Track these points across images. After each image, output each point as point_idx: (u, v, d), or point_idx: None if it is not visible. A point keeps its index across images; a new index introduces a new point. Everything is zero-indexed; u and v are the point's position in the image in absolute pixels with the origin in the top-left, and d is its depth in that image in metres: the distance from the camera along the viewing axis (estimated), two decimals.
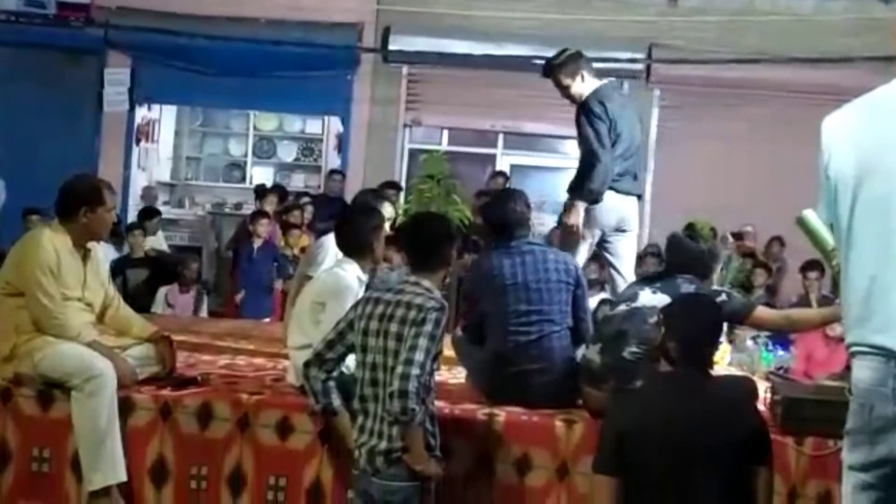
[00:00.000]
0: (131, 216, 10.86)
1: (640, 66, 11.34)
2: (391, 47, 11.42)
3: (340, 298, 4.16)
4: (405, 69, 11.65)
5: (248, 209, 10.95)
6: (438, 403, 3.83)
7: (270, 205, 9.96)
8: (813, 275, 8.58)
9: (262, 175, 12.66)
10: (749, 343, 6.27)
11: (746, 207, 10.22)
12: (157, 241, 10.00)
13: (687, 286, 4.12)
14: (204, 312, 8.90)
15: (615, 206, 5.30)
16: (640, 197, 5.50)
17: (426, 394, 3.46)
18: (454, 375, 4.98)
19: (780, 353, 6.22)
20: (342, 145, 11.97)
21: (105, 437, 4.05)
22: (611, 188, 5.23)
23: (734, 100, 10.93)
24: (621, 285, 5.34)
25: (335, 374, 3.71)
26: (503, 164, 11.85)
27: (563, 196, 5.54)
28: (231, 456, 4.18)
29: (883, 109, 2.53)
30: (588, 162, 5.20)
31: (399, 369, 3.36)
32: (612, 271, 5.48)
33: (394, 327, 3.45)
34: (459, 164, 11.09)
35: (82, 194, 4.32)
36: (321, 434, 4.09)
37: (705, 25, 11.01)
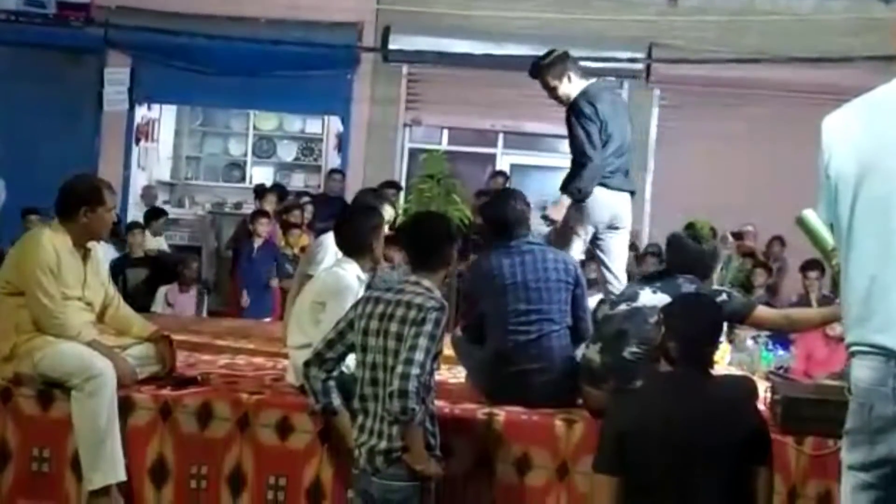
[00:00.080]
0: (131, 216, 10.87)
1: (639, 66, 11.35)
2: (391, 47, 11.42)
3: (340, 298, 4.16)
4: (405, 69, 11.65)
5: (248, 209, 10.96)
6: (438, 403, 3.83)
7: (270, 204, 9.97)
8: (813, 274, 8.58)
9: (261, 175, 12.66)
10: (749, 343, 6.28)
11: (746, 207, 10.22)
12: (158, 241, 9.99)
13: (688, 286, 4.12)
14: (203, 312, 8.90)
15: (608, 203, 5.31)
16: (632, 193, 5.50)
17: (426, 393, 3.46)
18: (454, 375, 4.98)
19: (780, 352, 6.23)
20: (342, 145, 11.97)
21: (105, 436, 4.05)
22: (603, 185, 5.25)
23: (734, 99, 10.93)
24: (611, 282, 5.36)
25: (335, 373, 3.71)
26: (503, 163, 11.86)
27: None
28: (231, 455, 4.18)
29: (883, 109, 2.53)
30: (579, 162, 5.22)
31: (399, 369, 3.36)
32: (603, 269, 5.47)
33: (394, 327, 3.45)
34: (459, 164, 11.08)
35: (82, 194, 4.32)
36: (321, 433, 4.09)
37: (705, 25, 11.01)
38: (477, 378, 4.59)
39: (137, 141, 11.97)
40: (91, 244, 4.44)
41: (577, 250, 5.29)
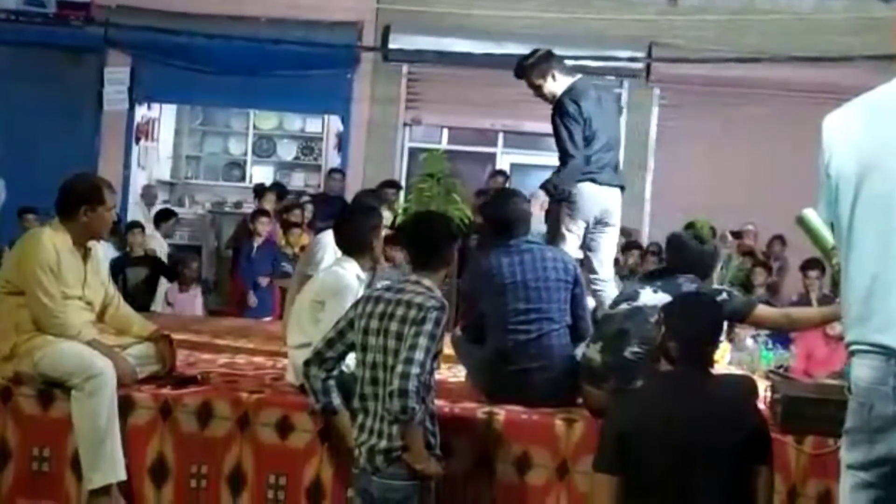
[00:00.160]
0: (131, 215, 10.86)
1: (640, 65, 11.34)
2: (391, 46, 11.41)
3: (340, 297, 4.16)
4: (405, 68, 11.65)
5: (248, 208, 10.96)
6: (438, 402, 3.82)
7: (269, 203, 9.97)
8: (813, 274, 8.57)
9: (261, 174, 12.67)
10: (749, 342, 6.27)
11: (746, 206, 10.22)
12: (160, 243, 10.00)
13: (688, 285, 4.13)
14: (203, 311, 8.91)
15: (597, 198, 5.33)
16: (622, 188, 5.52)
17: (426, 393, 3.46)
18: (454, 374, 4.98)
19: (780, 351, 6.22)
20: (342, 144, 11.97)
21: (105, 436, 4.05)
22: (592, 180, 5.28)
23: (734, 99, 10.92)
24: (596, 282, 5.37)
25: (335, 372, 3.71)
26: (503, 162, 11.85)
27: None
28: (231, 455, 4.18)
29: (883, 109, 2.54)
30: (561, 160, 5.27)
31: (399, 368, 3.37)
32: (589, 266, 5.47)
33: (394, 326, 3.46)
34: (459, 163, 11.06)
35: (82, 193, 4.32)
36: (321, 433, 4.09)
37: (705, 24, 11.01)
38: (477, 377, 4.59)
39: (137, 140, 11.96)
40: (91, 243, 4.44)
41: (573, 247, 5.30)
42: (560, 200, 5.25)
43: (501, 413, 4.18)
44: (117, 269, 8.04)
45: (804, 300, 8.41)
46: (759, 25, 10.97)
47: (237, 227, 10.29)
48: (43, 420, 4.23)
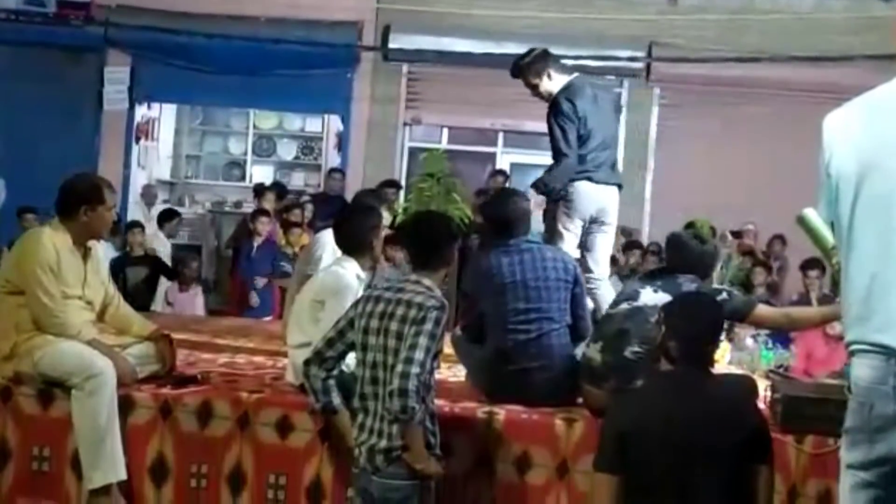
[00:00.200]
0: (131, 214, 10.86)
1: (640, 65, 11.34)
2: (391, 46, 11.41)
3: (340, 297, 4.16)
4: (405, 67, 11.65)
5: (248, 207, 10.96)
6: (438, 402, 3.82)
7: (269, 202, 9.97)
8: (813, 273, 8.56)
9: (261, 173, 12.67)
10: (749, 341, 6.27)
11: (746, 206, 10.22)
12: (162, 241, 10.00)
13: (688, 285, 4.13)
14: (204, 311, 8.91)
15: (594, 196, 5.34)
16: (619, 186, 5.53)
17: (426, 392, 3.46)
18: (454, 374, 4.98)
19: (780, 351, 6.22)
20: (342, 144, 11.97)
21: (105, 435, 4.05)
22: (588, 179, 5.29)
23: (734, 98, 10.93)
24: (590, 280, 5.35)
25: (335, 372, 3.71)
26: (503, 162, 11.85)
27: None
28: (231, 454, 4.18)
29: (883, 109, 2.54)
30: (554, 158, 5.29)
31: (399, 368, 3.37)
32: (584, 264, 5.47)
33: (394, 325, 3.46)
34: (459, 163, 11.08)
35: (82, 193, 4.32)
36: (321, 432, 4.09)
37: (705, 24, 11.01)
38: (477, 377, 4.59)
39: (137, 140, 11.96)
40: (91, 243, 4.44)
41: (570, 246, 5.30)
42: (550, 198, 5.25)
43: (501, 413, 4.18)
44: (117, 269, 8.04)
45: (804, 300, 8.41)
46: (759, 25, 10.97)
47: (237, 226, 10.29)
48: (43, 419, 4.23)
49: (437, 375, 3.73)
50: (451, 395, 4.38)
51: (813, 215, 2.92)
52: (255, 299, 8.91)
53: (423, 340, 3.39)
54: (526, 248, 4.54)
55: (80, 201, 4.28)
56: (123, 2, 11.34)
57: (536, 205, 5.23)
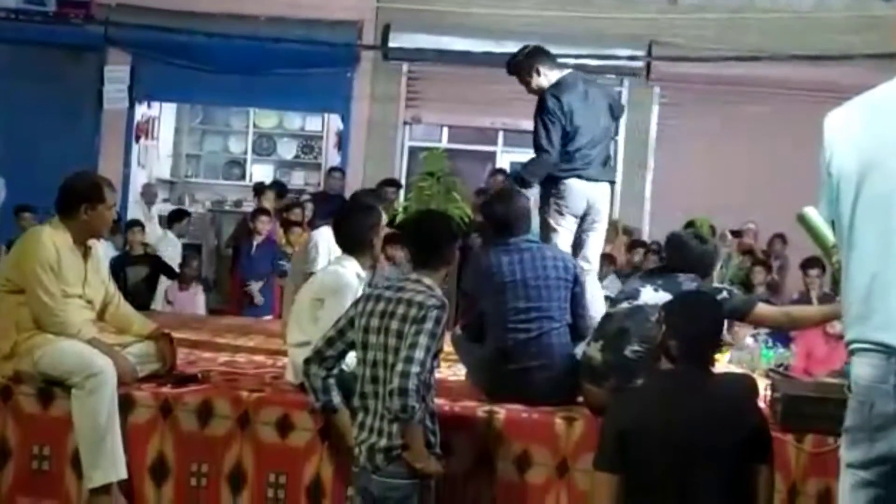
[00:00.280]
0: (131, 213, 10.86)
1: (640, 64, 11.33)
2: (391, 45, 11.41)
3: (339, 295, 4.16)
4: (405, 66, 11.64)
5: (248, 206, 10.96)
6: (438, 401, 3.82)
7: (268, 201, 9.97)
8: (814, 272, 8.57)
9: (261, 172, 12.65)
10: (749, 340, 6.27)
11: (747, 205, 10.22)
12: (171, 241, 10.01)
13: (688, 284, 4.13)
14: (204, 310, 8.91)
15: (583, 193, 5.36)
16: (612, 183, 5.56)
17: (426, 391, 3.46)
18: (454, 373, 4.98)
19: (781, 350, 6.22)
20: (342, 143, 11.96)
21: (105, 434, 4.05)
22: (577, 176, 5.31)
23: (734, 97, 10.92)
24: None
25: (335, 371, 3.71)
26: (503, 161, 11.83)
27: None
28: (231, 453, 4.18)
29: (884, 108, 2.54)
30: (535, 153, 5.34)
31: (399, 367, 3.37)
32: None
33: (394, 325, 3.46)
34: (459, 162, 11.08)
35: (83, 191, 4.32)
36: (321, 431, 4.09)
37: (705, 23, 11.01)
38: (477, 376, 4.59)
39: (137, 139, 11.95)
40: (91, 242, 4.44)
41: (564, 242, 5.31)
42: (521, 186, 5.31)
43: (501, 412, 4.18)
44: (117, 268, 8.04)
45: (805, 298, 8.41)
46: (759, 24, 10.97)
47: (237, 225, 10.29)
48: (43, 418, 4.23)
49: (437, 374, 3.73)
50: (451, 394, 4.38)
51: (813, 214, 2.92)
52: (258, 297, 8.91)
53: (423, 339, 3.39)
54: (526, 248, 4.55)
55: (81, 200, 4.28)
56: (123, 1, 11.33)
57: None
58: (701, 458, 3.05)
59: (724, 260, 8.60)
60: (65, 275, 4.22)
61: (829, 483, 3.83)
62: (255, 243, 9.13)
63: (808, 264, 8.50)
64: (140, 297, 7.69)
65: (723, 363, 5.43)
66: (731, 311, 4.18)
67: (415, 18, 11.18)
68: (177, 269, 9.03)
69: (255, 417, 4.18)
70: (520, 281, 4.45)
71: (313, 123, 12.78)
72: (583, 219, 5.41)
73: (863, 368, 2.47)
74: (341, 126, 12.01)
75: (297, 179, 12.57)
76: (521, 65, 5.47)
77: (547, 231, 5.35)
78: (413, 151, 11.77)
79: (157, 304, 8.66)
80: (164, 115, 12.56)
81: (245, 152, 12.91)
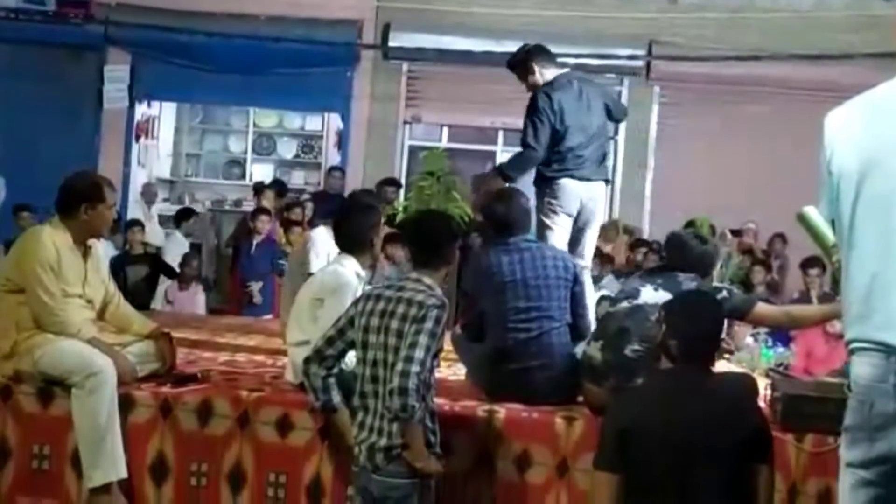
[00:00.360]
0: (131, 213, 10.86)
1: (640, 63, 11.33)
2: (391, 44, 11.41)
3: (339, 295, 4.16)
4: (405, 66, 11.64)
5: (248, 206, 10.97)
6: (438, 400, 3.82)
7: (268, 200, 9.97)
8: (814, 271, 8.56)
9: (261, 172, 12.65)
10: (749, 340, 6.27)
11: (746, 205, 10.22)
12: (179, 240, 10.00)
13: (689, 283, 4.13)
14: (204, 309, 8.91)
15: (577, 192, 5.38)
16: (606, 181, 5.61)
17: (426, 391, 3.47)
18: (454, 372, 4.98)
19: (780, 349, 6.23)
20: (342, 142, 11.96)
21: (105, 434, 4.05)
22: (570, 176, 5.34)
23: (734, 97, 10.92)
24: None
25: (335, 370, 3.71)
26: (503, 160, 11.82)
27: None
28: (231, 453, 4.18)
29: (884, 107, 2.53)
30: (522, 149, 5.40)
31: (399, 366, 3.37)
32: None
33: (394, 324, 3.46)
34: (459, 161, 11.08)
35: (83, 191, 4.32)
36: (321, 431, 4.09)
37: (705, 22, 11.00)
38: (477, 375, 4.59)
39: (137, 138, 11.96)
40: (91, 241, 4.44)
41: (559, 241, 5.31)
42: (505, 180, 5.37)
43: (501, 411, 4.18)
44: (117, 267, 8.04)
45: (805, 298, 8.41)
46: (759, 23, 10.96)
47: (237, 225, 10.29)
48: (43, 418, 4.23)
49: (437, 374, 3.73)
50: (451, 393, 4.38)
51: (813, 213, 2.92)
52: (257, 297, 8.91)
53: (423, 339, 3.39)
54: (526, 247, 4.55)
55: (81, 199, 4.28)
56: (123, 0, 11.33)
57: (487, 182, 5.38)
58: (701, 457, 3.05)
59: (724, 259, 8.59)
60: (65, 274, 4.22)
61: (829, 483, 3.83)
62: (255, 243, 9.13)
63: (808, 264, 8.50)
64: (140, 297, 7.69)
65: (723, 363, 5.43)
66: (731, 310, 4.18)
67: (415, 18, 11.18)
68: (177, 269, 9.03)
69: (255, 417, 4.18)
70: (520, 280, 4.45)
71: (313, 123, 12.79)
72: (577, 217, 5.43)
73: (863, 368, 2.47)
74: (341, 125, 12.01)
75: (297, 179, 12.57)
76: (520, 62, 5.52)
77: (542, 230, 5.37)
78: (413, 151, 11.77)
79: (157, 303, 8.66)
80: (164, 115, 12.56)
81: (245, 152, 12.92)
